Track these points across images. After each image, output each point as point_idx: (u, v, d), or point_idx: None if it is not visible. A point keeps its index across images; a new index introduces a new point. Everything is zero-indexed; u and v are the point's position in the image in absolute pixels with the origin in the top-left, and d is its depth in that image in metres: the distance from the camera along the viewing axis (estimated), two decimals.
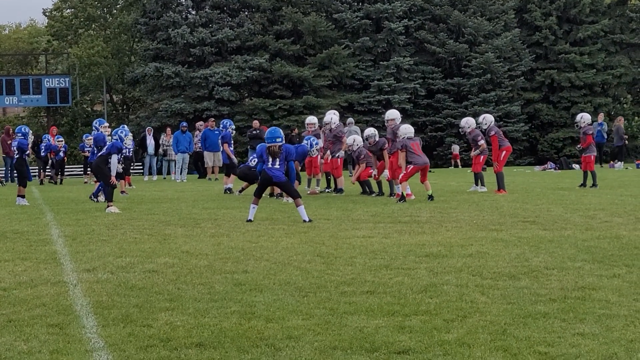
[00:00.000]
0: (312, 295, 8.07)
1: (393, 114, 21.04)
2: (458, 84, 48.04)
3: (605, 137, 37.94)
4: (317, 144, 21.92)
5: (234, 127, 26.01)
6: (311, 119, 24.13)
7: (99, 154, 19.46)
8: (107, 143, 20.32)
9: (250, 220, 14.89)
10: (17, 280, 9.10)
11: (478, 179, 22.33)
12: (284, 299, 7.89)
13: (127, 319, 7.17)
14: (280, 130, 16.05)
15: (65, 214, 17.25)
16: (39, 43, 58.56)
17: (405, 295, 7.99)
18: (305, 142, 21.71)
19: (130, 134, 24.18)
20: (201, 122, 36.66)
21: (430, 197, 19.00)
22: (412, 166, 19.28)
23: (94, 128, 23.89)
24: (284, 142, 15.60)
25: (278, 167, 15.31)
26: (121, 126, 21.87)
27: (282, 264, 9.91)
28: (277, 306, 7.57)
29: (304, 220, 14.67)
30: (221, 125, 26.37)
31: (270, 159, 15.32)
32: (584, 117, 24.07)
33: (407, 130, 19.80)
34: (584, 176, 23.23)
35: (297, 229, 13.73)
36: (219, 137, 26.19)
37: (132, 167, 30.53)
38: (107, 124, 24.02)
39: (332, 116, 23.02)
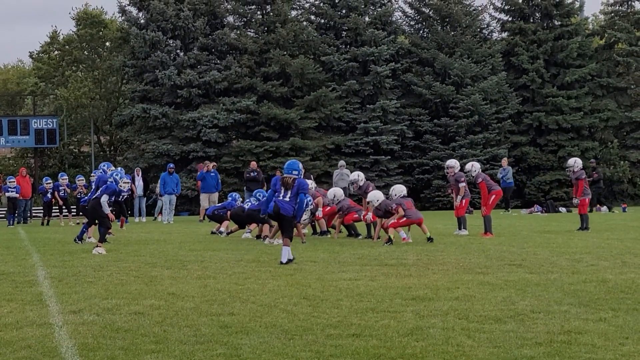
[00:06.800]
0: (298, 338, 8.06)
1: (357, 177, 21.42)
2: (445, 125, 47.99)
3: (512, 181, 38.20)
4: (311, 202, 21.92)
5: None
6: None
7: (94, 195, 19.53)
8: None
9: (291, 260, 14.88)
10: (2, 322, 9.06)
11: (460, 222, 22.46)
12: (270, 342, 7.87)
13: None
14: (300, 164, 16.03)
15: (52, 255, 17.19)
16: (26, 84, 58.47)
17: (392, 338, 7.98)
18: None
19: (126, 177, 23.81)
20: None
21: (430, 239, 19.24)
22: (405, 218, 19.57)
23: (101, 170, 22.51)
24: (300, 176, 15.63)
25: (288, 199, 15.34)
26: (119, 169, 21.73)
27: (269, 307, 9.89)
28: (263, 349, 7.56)
29: (281, 262, 14.65)
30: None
31: (282, 190, 15.40)
32: (577, 162, 24.04)
33: (399, 189, 20.63)
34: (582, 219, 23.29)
35: (284, 271, 13.72)
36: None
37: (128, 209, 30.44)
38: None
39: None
